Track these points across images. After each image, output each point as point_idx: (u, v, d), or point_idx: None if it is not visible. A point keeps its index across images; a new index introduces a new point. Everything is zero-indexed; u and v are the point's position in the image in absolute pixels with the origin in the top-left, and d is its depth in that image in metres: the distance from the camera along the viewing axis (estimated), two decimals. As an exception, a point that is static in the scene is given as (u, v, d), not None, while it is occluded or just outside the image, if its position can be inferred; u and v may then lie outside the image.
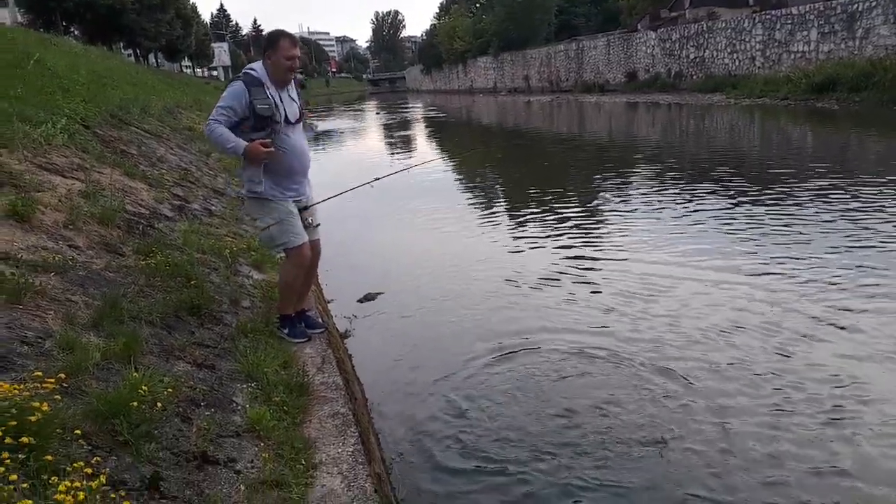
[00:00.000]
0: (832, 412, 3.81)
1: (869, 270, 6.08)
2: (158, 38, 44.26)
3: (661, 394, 4.16)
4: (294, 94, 4.19)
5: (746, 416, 3.83)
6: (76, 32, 39.54)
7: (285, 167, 4.12)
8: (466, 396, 4.36)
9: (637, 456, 3.55)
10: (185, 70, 76.36)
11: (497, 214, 10.35)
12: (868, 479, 3.23)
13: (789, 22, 27.70)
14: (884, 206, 8.23)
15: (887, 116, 18.06)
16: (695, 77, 34.02)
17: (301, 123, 4.26)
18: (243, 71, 4.07)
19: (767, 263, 6.53)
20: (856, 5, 24.37)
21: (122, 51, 48.11)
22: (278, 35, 4.03)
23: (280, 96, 4.03)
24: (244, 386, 3.41)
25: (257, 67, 4.02)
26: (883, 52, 22.78)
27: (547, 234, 8.53)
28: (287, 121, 4.07)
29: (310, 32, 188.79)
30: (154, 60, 57.20)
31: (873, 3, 23.66)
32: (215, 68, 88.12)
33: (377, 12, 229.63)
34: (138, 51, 48.26)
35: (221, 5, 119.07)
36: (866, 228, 7.41)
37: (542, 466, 3.52)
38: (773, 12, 29.31)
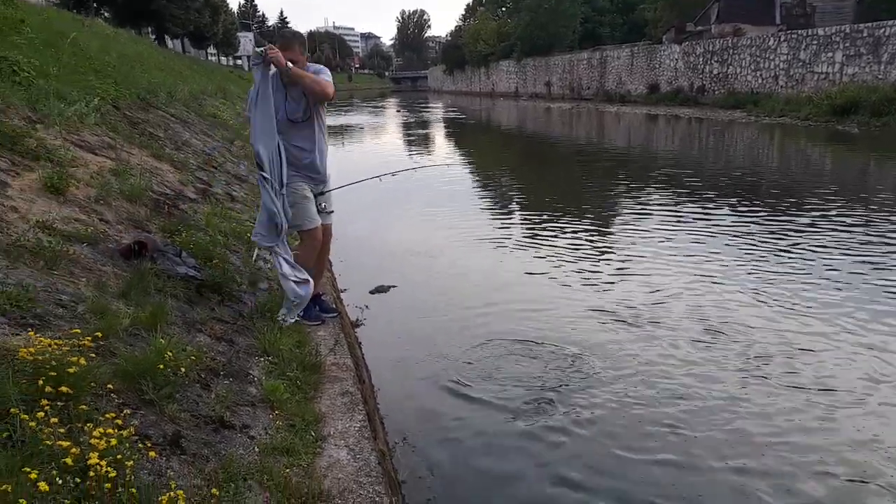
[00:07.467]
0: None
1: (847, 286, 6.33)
2: (187, 24, 44.73)
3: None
4: (296, 93, 4.26)
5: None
6: (106, 15, 39.99)
7: (304, 164, 4.41)
8: (472, 389, 4.50)
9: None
10: (210, 57, 76.90)
11: (511, 220, 10.48)
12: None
13: (815, 42, 27.61)
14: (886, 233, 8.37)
15: (908, 142, 18.03)
16: (717, 92, 33.93)
17: (313, 124, 4.37)
18: None
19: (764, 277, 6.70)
20: (883, 30, 24.28)
21: (150, 35, 48.63)
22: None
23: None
24: (260, 360, 3.59)
25: None
26: (908, 78, 22.70)
27: (558, 241, 8.64)
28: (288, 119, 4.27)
29: (335, 27, 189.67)
30: (181, 46, 57.72)
31: (901, 29, 23.59)
32: (240, 57, 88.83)
33: (403, 10, 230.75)
34: (166, 36, 48.75)
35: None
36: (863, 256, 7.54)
37: (540, 459, 3.67)
38: (800, 32, 29.19)
